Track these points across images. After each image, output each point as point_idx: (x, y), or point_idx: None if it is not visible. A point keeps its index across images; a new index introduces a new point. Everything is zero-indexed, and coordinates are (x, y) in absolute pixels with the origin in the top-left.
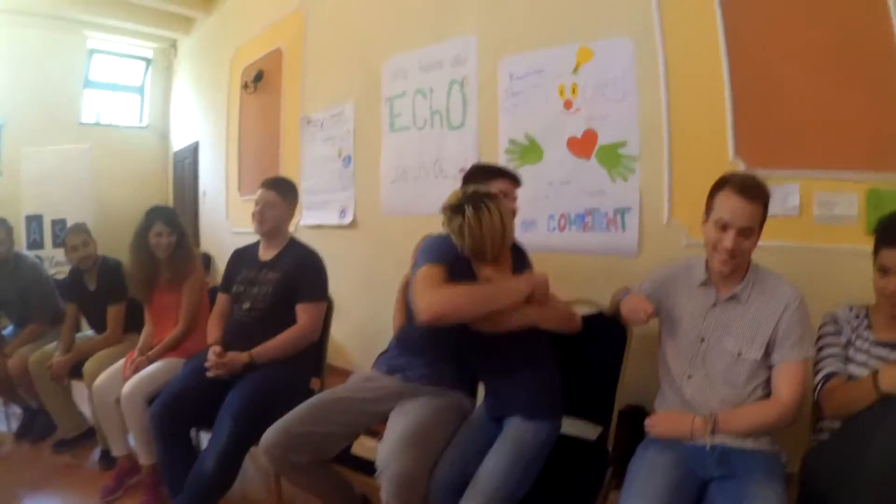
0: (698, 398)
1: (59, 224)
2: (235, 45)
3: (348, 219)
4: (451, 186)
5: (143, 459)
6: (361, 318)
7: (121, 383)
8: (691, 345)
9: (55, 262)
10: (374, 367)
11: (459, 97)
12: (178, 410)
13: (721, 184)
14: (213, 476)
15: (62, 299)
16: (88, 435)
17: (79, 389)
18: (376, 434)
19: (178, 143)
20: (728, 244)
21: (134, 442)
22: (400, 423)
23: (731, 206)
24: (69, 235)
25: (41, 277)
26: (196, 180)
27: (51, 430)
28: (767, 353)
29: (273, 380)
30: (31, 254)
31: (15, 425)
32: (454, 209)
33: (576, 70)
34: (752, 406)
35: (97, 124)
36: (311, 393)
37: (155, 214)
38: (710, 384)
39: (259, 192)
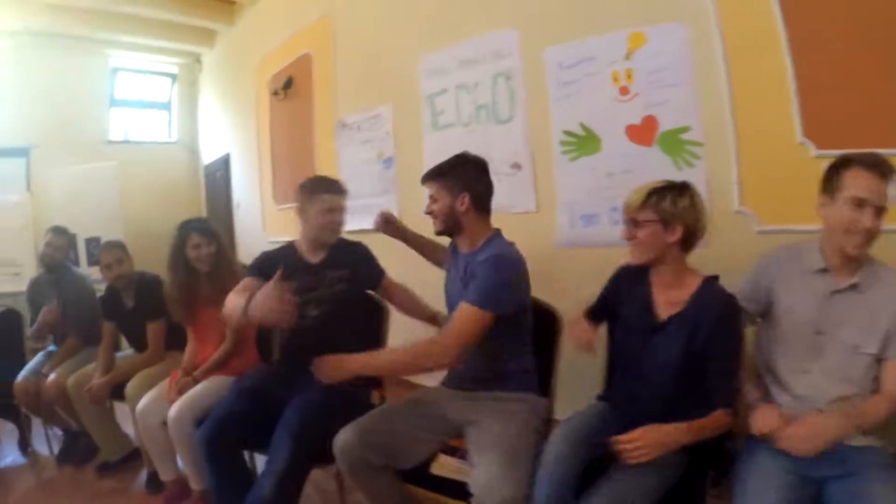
0: (815, 395)
1: (93, 242)
2: (261, 54)
3: None
4: (503, 182)
5: (195, 484)
6: (410, 326)
7: (166, 405)
8: (805, 337)
9: (92, 281)
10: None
11: (506, 90)
12: (229, 433)
13: (845, 162)
14: (272, 499)
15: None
16: (133, 457)
17: (121, 409)
18: (455, 451)
19: (209, 156)
20: (868, 223)
21: (184, 466)
22: (485, 441)
23: (865, 183)
24: (103, 253)
25: (83, 292)
26: (229, 192)
27: (94, 453)
28: (882, 347)
29: (332, 394)
30: (77, 269)
31: (56, 448)
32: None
33: (629, 56)
34: (871, 401)
35: (125, 142)
36: (371, 407)
37: (189, 227)
38: (827, 380)
39: (330, 197)
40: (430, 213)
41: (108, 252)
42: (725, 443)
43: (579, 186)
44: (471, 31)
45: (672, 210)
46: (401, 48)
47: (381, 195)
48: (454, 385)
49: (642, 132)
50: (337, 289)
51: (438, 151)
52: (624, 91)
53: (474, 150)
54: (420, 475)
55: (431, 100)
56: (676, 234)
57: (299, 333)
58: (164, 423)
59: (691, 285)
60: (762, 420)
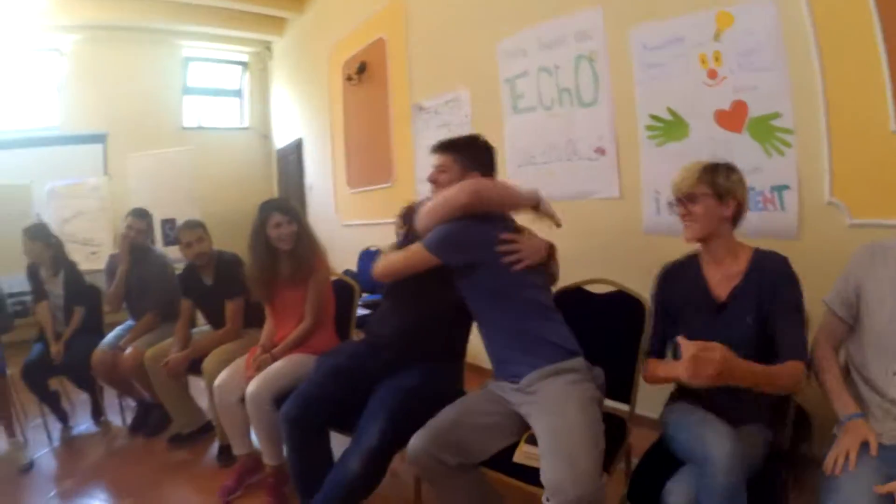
0: None
1: (168, 223)
2: (333, 40)
3: None
4: (586, 167)
5: (268, 459)
6: None
7: (243, 382)
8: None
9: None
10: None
11: (589, 72)
12: (314, 411)
13: None
14: (358, 475)
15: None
16: (205, 430)
17: (195, 384)
18: (536, 441)
19: (281, 140)
20: None
21: (258, 442)
22: (549, 434)
23: None
24: (182, 232)
25: (164, 271)
26: (301, 176)
27: (165, 425)
28: None
29: (429, 380)
30: (158, 248)
31: (129, 419)
32: None
33: (717, 37)
34: None
35: (199, 128)
36: (462, 394)
37: (269, 206)
38: None
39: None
40: (433, 181)
41: (189, 231)
42: (801, 446)
43: (666, 173)
44: (552, 12)
45: (726, 184)
46: (478, 30)
47: None
48: (504, 377)
49: (731, 118)
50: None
51: (519, 135)
52: (712, 74)
53: (557, 134)
54: (499, 463)
55: (511, 83)
56: (730, 209)
57: (384, 315)
58: (241, 399)
59: (744, 257)
60: (851, 442)
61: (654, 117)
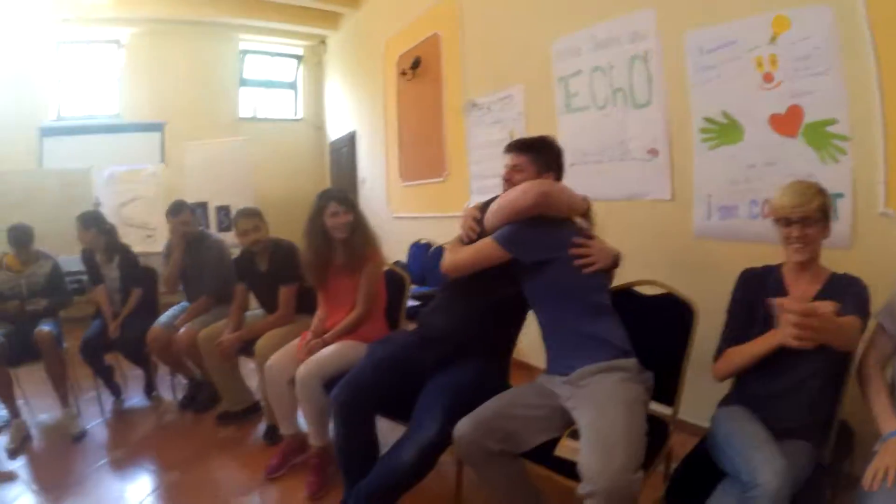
0: None
1: (223, 210)
2: (387, 35)
3: None
4: (638, 169)
5: (314, 440)
6: None
7: (294, 364)
8: None
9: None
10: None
11: (643, 73)
12: (365, 397)
13: None
14: (412, 466)
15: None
16: (253, 409)
17: (246, 364)
18: (578, 435)
19: (334, 133)
20: None
21: (306, 423)
22: (592, 425)
23: None
24: (240, 220)
25: (220, 256)
26: (354, 168)
27: (215, 402)
28: None
29: (481, 376)
30: (215, 234)
31: (180, 395)
32: None
33: (773, 40)
34: None
35: (254, 119)
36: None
37: (327, 195)
38: None
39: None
40: (508, 179)
41: (246, 219)
42: (843, 462)
43: (719, 176)
44: (606, 12)
45: (829, 206)
46: (532, 28)
47: None
48: (556, 371)
49: (786, 122)
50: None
51: (573, 133)
52: (768, 78)
53: (610, 133)
54: (541, 455)
55: (565, 81)
56: (829, 229)
57: (440, 307)
58: (291, 381)
59: (823, 277)
60: (892, 459)
61: (708, 120)
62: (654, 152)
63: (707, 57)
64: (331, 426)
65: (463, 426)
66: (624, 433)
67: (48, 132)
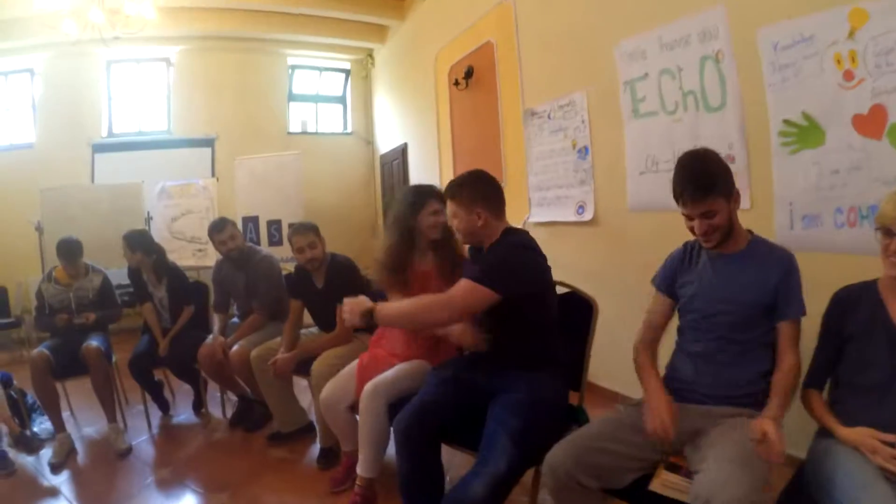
0: None
1: (274, 224)
2: (437, 46)
3: (588, 215)
4: None
5: (364, 471)
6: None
7: (349, 392)
8: None
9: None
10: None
11: (715, 74)
12: (429, 423)
13: None
14: (482, 500)
15: (288, 295)
16: (306, 430)
17: (299, 383)
18: (678, 469)
19: (384, 146)
20: None
21: (360, 448)
22: (715, 447)
23: None
24: (295, 236)
25: (271, 271)
26: (406, 181)
27: (266, 421)
28: None
29: (534, 390)
30: (265, 249)
31: (230, 413)
32: None
33: (851, 35)
34: None
35: (304, 133)
36: (572, 409)
37: (425, 191)
38: None
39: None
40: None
41: (301, 236)
42: None
43: (800, 183)
44: (672, 12)
45: None
46: (593, 31)
47: (576, 186)
48: (678, 397)
49: (870, 123)
50: None
51: (641, 141)
52: (848, 76)
53: (682, 140)
54: (631, 492)
55: (631, 86)
56: None
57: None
58: (350, 408)
59: None
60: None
61: (787, 122)
62: (730, 159)
63: (782, 54)
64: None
65: (556, 456)
66: (752, 454)
67: (100, 148)
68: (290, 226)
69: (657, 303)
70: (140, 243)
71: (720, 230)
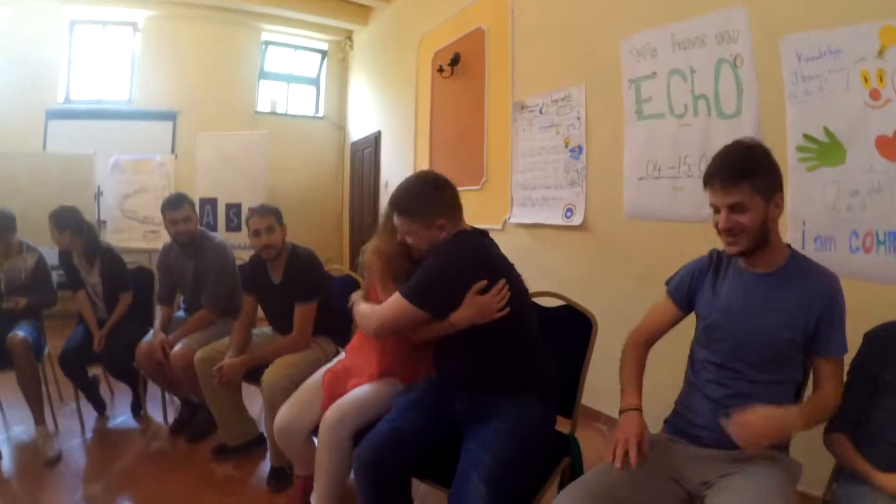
0: None
1: (233, 208)
2: (423, 30)
3: (577, 219)
4: None
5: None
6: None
7: (311, 416)
8: None
9: (232, 247)
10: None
11: (731, 80)
12: (393, 455)
13: None
14: None
15: (241, 289)
16: (256, 443)
17: (249, 390)
18: None
19: (357, 133)
20: None
21: (317, 480)
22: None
23: None
24: (253, 217)
25: (224, 262)
26: (377, 171)
27: (211, 430)
28: None
29: (525, 424)
30: (219, 236)
31: (171, 417)
32: None
33: (881, 54)
34: None
35: (273, 113)
36: (561, 439)
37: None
38: None
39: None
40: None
41: (260, 218)
42: None
43: (816, 202)
44: (689, 8)
45: None
46: (599, 23)
47: (566, 187)
48: (690, 439)
49: (893, 147)
50: None
51: (643, 144)
52: (875, 95)
53: (690, 146)
54: None
55: (637, 84)
56: None
57: (447, 351)
58: (310, 432)
59: None
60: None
61: (807, 137)
62: None
63: (807, 66)
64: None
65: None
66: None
67: (54, 115)
68: (250, 208)
69: (665, 306)
70: (68, 221)
71: (748, 234)
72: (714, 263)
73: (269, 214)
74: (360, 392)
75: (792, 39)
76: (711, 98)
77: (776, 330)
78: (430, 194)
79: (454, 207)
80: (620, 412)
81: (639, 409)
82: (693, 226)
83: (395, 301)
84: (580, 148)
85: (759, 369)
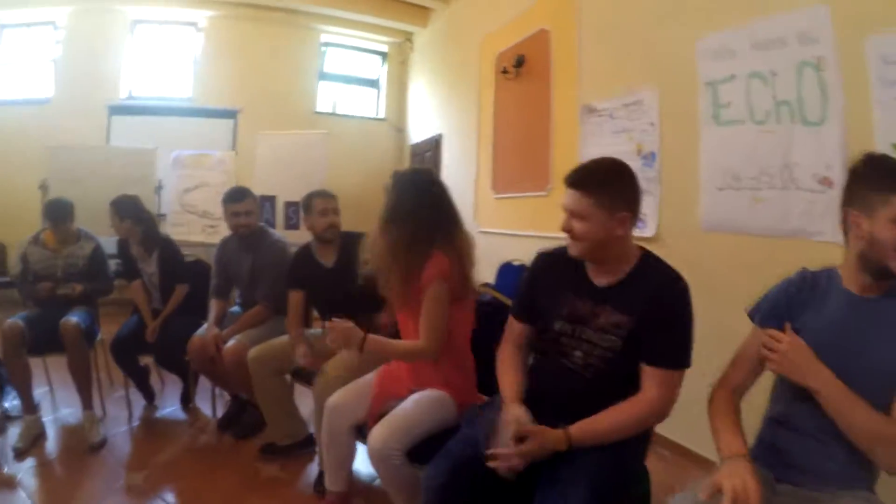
0: None
1: (292, 206)
2: (485, 31)
3: (650, 231)
4: (806, 201)
5: None
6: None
7: (362, 407)
8: None
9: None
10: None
11: (815, 84)
12: (474, 482)
13: None
14: None
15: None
16: (305, 444)
17: (301, 389)
18: None
19: (417, 135)
20: None
21: (394, 500)
22: None
23: None
24: (318, 199)
25: (282, 259)
26: (438, 175)
27: (258, 428)
28: None
29: (622, 470)
30: (278, 233)
31: (220, 411)
32: None
33: None
34: None
35: (332, 114)
36: (647, 477)
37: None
38: None
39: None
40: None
41: (326, 199)
42: None
43: None
44: (767, 6)
45: None
46: (671, 23)
47: None
48: (780, 475)
49: None
50: (608, 342)
51: (721, 152)
52: None
53: (771, 155)
54: None
55: (713, 88)
56: None
57: (546, 378)
58: (355, 427)
59: None
60: None
61: None
62: (827, 182)
63: (893, 70)
64: None
65: None
66: None
67: (117, 110)
68: (310, 193)
69: (757, 339)
70: (130, 210)
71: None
72: (809, 284)
73: (332, 197)
74: (400, 413)
75: (877, 41)
76: (794, 103)
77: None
78: (627, 181)
79: (636, 206)
80: (723, 457)
81: (747, 457)
82: (775, 241)
83: (674, 379)
84: (653, 155)
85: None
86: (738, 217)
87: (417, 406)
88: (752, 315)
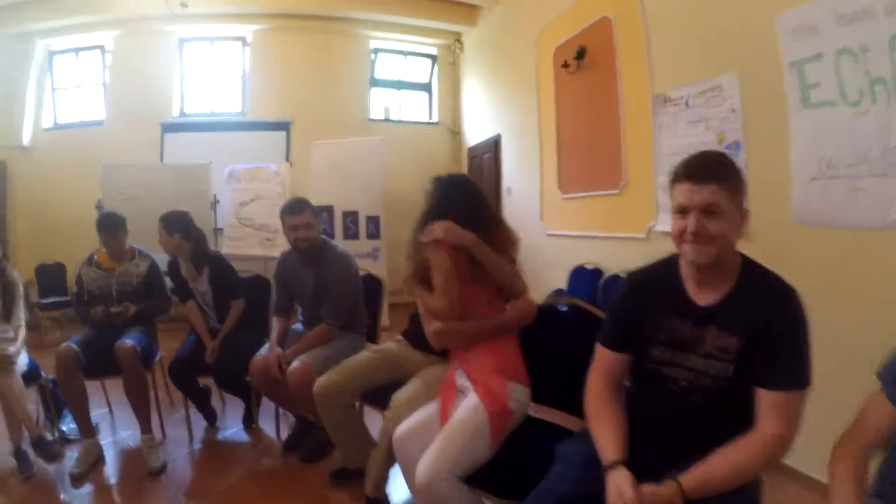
0: None
1: (350, 216)
2: (540, 25)
3: None
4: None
5: None
6: None
7: (432, 431)
8: None
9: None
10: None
11: None
12: None
13: None
14: None
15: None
16: None
17: (371, 412)
18: None
19: (473, 137)
20: None
21: None
22: None
23: None
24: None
25: (346, 273)
26: (498, 176)
27: (327, 451)
28: None
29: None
30: (340, 245)
31: (284, 433)
32: None
33: None
34: None
35: (386, 120)
36: None
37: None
38: None
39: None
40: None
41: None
42: None
43: None
44: None
45: None
46: (743, 0)
47: None
48: None
49: None
50: (716, 369)
51: (813, 138)
52: None
53: (868, 138)
54: None
55: (799, 68)
56: None
57: (653, 407)
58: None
59: None
60: None
61: None
62: None
63: None
64: None
65: None
66: None
67: (169, 128)
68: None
69: (883, 407)
70: (179, 224)
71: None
72: None
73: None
74: (448, 437)
75: None
76: (890, 81)
77: None
78: (739, 171)
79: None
80: None
81: None
82: (871, 234)
83: (795, 402)
84: (737, 144)
85: None
86: (833, 208)
87: (459, 438)
88: (882, 376)
